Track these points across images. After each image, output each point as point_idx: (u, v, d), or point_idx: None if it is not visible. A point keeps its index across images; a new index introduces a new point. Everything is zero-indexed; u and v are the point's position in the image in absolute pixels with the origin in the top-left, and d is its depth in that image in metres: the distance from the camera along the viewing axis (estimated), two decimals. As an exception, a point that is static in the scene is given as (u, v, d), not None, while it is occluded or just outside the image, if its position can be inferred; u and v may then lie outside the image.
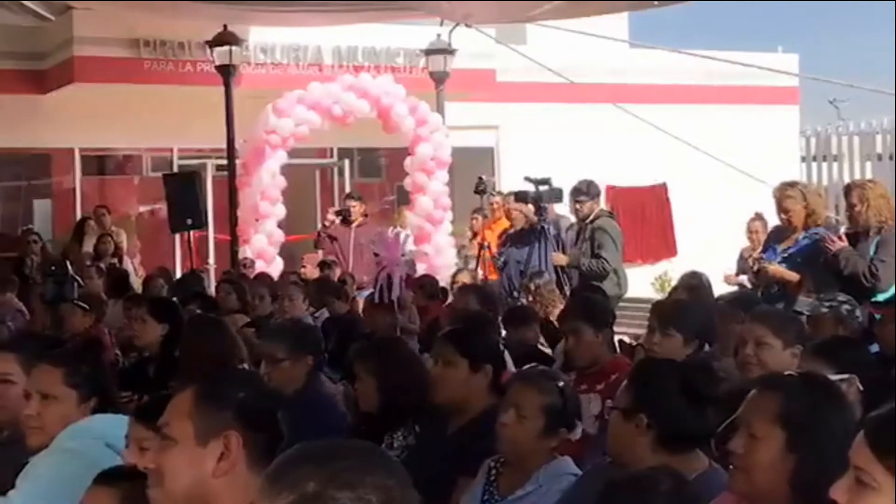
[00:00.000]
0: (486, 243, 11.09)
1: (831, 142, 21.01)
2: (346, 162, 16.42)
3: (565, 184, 9.64)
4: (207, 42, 13.07)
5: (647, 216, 18.09)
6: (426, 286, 9.11)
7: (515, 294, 9.36)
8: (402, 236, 8.26)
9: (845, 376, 3.47)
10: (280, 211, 13.41)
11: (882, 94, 13.56)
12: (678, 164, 16.83)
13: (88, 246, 12.92)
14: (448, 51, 13.96)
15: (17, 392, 3.77)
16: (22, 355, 3.92)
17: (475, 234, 12.45)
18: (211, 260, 14.48)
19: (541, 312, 7.67)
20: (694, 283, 7.46)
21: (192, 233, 13.02)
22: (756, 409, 2.72)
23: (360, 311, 8.65)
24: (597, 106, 16.23)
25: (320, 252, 12.86)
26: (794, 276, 7.14)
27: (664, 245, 18.14)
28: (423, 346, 6.34)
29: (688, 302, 6.19)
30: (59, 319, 8.19)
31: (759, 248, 8.46)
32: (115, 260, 12.51)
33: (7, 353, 4.03)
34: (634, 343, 6.60)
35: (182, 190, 12.62)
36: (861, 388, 3.54)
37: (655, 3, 13.49)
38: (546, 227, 9.59)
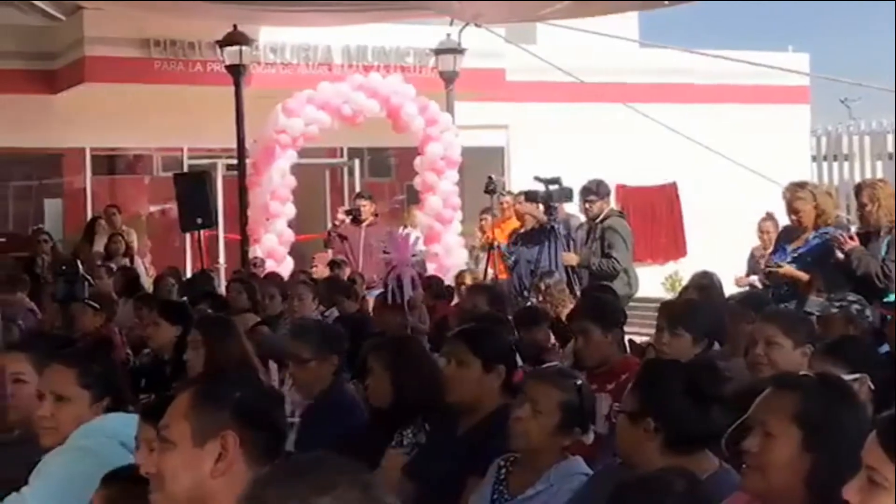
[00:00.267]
0: (496, 243, 11.09)
1: (842, 141, 20.96)
2: (356, 161, 16.43)
3: (575, 183, 9.63)
4: (218, 42, 13.09)
5: (658, 216, 18.06)
6: (433, 286, 9.13)
7: (525, 294, 9.36)
8: (411, 237, 8.25)
9: (856, 376, 3.47)
10: (290, 210, 13.43)
11: (892, 93, 13.49)
12: (688, 164, 16.80)
13: (99, 245, 12.95)
14: (458, 50, 13.96)
15: (28, 391, 3.78)
16: (33, 355, 3.93)
17: (485, 234, 12.45)
18: (221, 259, 14.50)
19: (551, 312, 7.67)
20: (705, 283, 7.45)
21: (202, 232, 13.04)
22: (772, 407, 2.72)
23: (371, 310, 8.66)
24: (607, 105, 16.20)
25: (330, 251, 12.88)
26: (804, 276, 7.13)
27: (674, 245, 18.12)
28: (432, 346, 6.35)
29: (696, 301, 6.18)
30: (69, 319, 8.21)
31: (770, 249, 8.46)
32: (126, 260, 12.54)
33: (19, 352, 4.05)
34: (645, 343, 6.59)
35: (192, 190, 12.65)
36: (872, 387, 3.54)
37: (665, 2, 13.48)
38: (556, 226, 9.58)
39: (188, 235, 13.96)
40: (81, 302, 8.40)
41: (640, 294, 9.55)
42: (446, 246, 13.53)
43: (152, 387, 5.64)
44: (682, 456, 3.24)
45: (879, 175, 17.10)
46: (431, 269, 12.11)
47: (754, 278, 9.64)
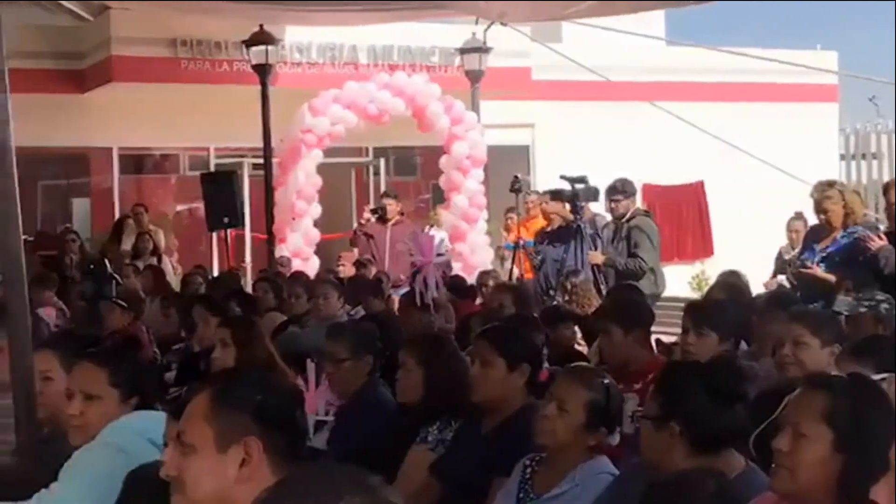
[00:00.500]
0: (521, 242, 11.07)
1: (871, 140, 20.80)
2: (382, 161, 16.45)
3: (601, 182, 9.60)
4: (244, 42, 13.14)
5: (684, 215, 17.99)
6: (456, 285, 9.12)
7: (551, 293, 9.34)
8: (436, 237, 8.24)
9: (884, 375, 3.44)
10: (316, 210, 13.46)
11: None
12: (715, 163, 16.73)
13: (127, 244, 13.03)
14: (483, 49, 13.95)
15: (57, 389, 3.82)
16: (62, 353, 3.97)
17: (510, 233, 12.45)
18: (248, 258, 14.54)
19: (577, 311, 7.65)
20: (732, 282, 7.40)
21: (229, 231, 13.11)
22: (803, 407, 2.71)
23: (396, 309, 8.66)
24: (633, 104, 16.16)
25: (356, 250, 12.90)
26: (831, 277, 7.09)
27: (701, 244, 18.04)
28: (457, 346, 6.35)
29: (722, 301, 6.14)
30: (97, 317, 8.26)
31: (798, 248, 8.41)
32: (154, 259, 12.61)
33: (47, 351, 4.08)
34: (672, 343, 6.57)
35: (219, 189, 12.72)
36: (901, 387, 3.51)
37: (692, 1, 13.41)
38: (582, 225, 9.57)
39: (215, 234, 14.03)
40: (109, 300, 8.45)
41: (667, 293, 9.51)
42: (472, 245, 13.52)
43: (185, 382, 5.69)
44: (708, 457, 3.22)
45: (908, 173, 16.97)
46: (457, 268, 12.10)
47: (782, 278, 9.59)
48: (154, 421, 3.45)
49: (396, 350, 4.92)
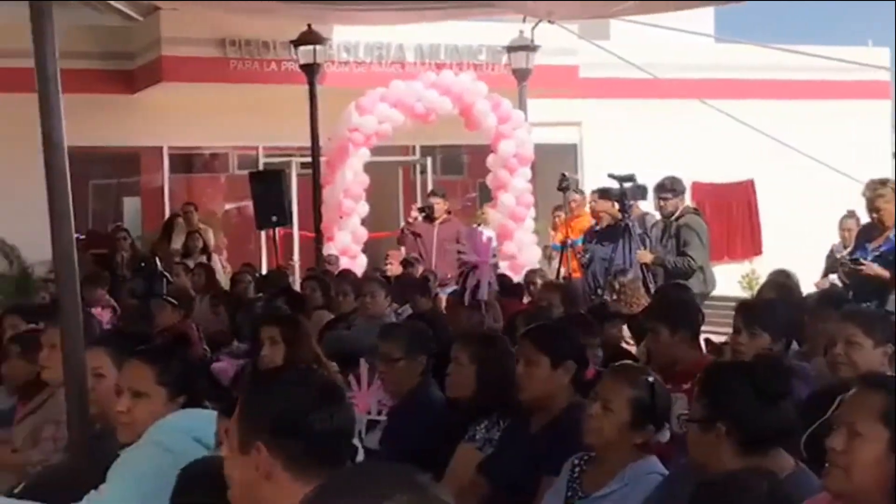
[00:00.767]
0: (569, 241, 11.04)
1: (924, 136, 20.50)
2: (429, 159, 16.46)
3: (650, 180, 9.54)
4: (292, 41, 13.20)
5: (734, 213, 17.84)
6: (503, 284, 9.09)
7: (600, 291, 9.30)
8: (492, 239, 8.20)
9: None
10: (363, 208, 13.50)
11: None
12: (765, 161, 16.57)
13: (177, 243, 13.15)
14: (530, 47, 13.92)
15: (108, 386, 3.85)
16: (113, 350, 4.00)
17: (558, 232, 12.40)
18: (295, 257, 14.61)
19: (625, 310, 7.61)
20: (782, 281, 7.33)
21: (277, 230, 13.18)
22: (858, 407, 2.69)
23: (443, 308, 8.66)
24: (682, 101, 16.04)
25: (403, 249, 12.92)
26: (886, 273, 7.01)
27: (751, 243, 17.89)
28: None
29: (774, 301, 6.08)
30: (148, 315, 8.33)
31: (850, 247, 8.32)
32: (204, 257, 12.71)
33: (99, 347, 4.12)
34: (722, 343, 6.51)
35: (267, 188, 12.80)
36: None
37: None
38: (631, 224, 9.51)
39: (263, 233, 14.12)
40: (160, 298, 8.51)
41: (717, 292, 9.44)
42: (519, 244, 13.49)
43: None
44: (756, 457, 3.20)
45: (963, 171, 16.69)
46: (503, 266, 12.08)
47: (833, 277, 9.49)
48: (201, 419, 3.47)
49: (444, 349, 4.92)
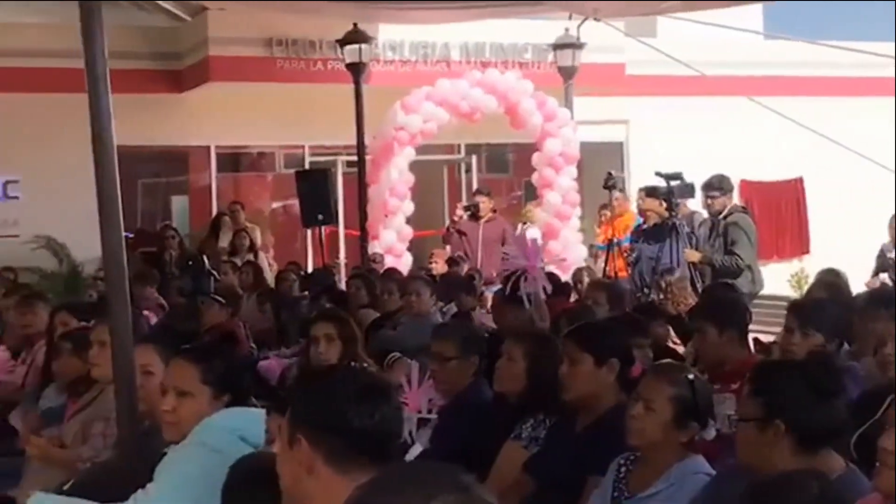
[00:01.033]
0: (615, 240, 10.99)
1: (977, 134, 20.18)
2: (474, 158, 16.43)
3: (697, 178, 9.47)
4: (338, 40, 13.24)
5: (783, 212, 17.66)
6: (551, 282, 9.04)
7: (646, 290, 9.25)
8: (537, 241, 8.14)
9: None
10: (408, 207, 13.51)
11: None
12: (814, 158, 16.39)
13: (224, 241, 13.24)
14: (576, 45, 13.86)
15: (157, 383, 3.89)
16: (162, 348, 4.04)
17: (603, 230, 12.35)
18: (341, 255, 14.66)
19: (672, 309, 7.57)
20: (831, 280, 7.25)
21: (323, 228, 13.23)
22: None
23: (489, 306, 8.65)
24: (730, 99, 15.91)
25: (448, 247, 12.93)
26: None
27: (799, 242, 17.71)
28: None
29: (827, 301, 6.01)
30: (196, 313, 8.39)
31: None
32: (251, 255, 12.78)
33: (148, 345, 4.16)
34: (770, 342, 6.45)
35: (313, 186, 12.84)
36: None
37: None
38: (678, 222, 9.45)
39: (309, 231, 14.17)
40: (207, 296, 8.57)
41: (765, 292, 9.36)
42: (565, 242, 13.44)
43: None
44: (808, 457, 3.16)
45: None
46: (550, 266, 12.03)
47: (884, 276, 9.38)
48: (247, 418, 3.49)
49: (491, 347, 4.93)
